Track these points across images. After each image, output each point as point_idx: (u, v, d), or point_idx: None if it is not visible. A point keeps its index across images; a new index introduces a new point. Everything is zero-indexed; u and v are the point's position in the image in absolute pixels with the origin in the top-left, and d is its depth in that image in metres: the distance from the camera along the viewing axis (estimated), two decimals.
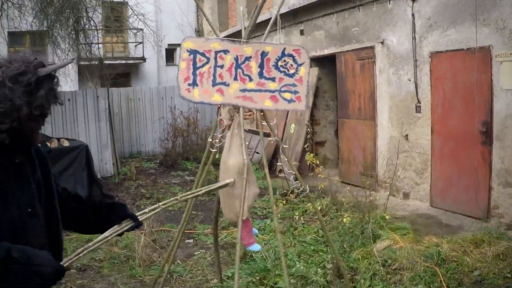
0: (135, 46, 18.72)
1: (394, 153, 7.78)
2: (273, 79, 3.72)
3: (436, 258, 4.96)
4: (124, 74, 18.78)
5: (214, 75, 3.72)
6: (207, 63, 3.73)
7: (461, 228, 6.37)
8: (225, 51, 3.73)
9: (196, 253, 6.07)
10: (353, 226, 6.26)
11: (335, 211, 7.20)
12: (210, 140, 4.15)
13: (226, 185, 3.38)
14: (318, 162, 7.41)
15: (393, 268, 4.91)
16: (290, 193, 8.59)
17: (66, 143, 8.61)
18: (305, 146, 8.48)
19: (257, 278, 4.85)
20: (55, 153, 8.14)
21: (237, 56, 3.72)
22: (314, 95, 10.05)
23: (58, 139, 8.79)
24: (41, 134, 2.24)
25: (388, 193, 7.35)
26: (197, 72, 3.74)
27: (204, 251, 6.15)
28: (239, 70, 3.72)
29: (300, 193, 8.52)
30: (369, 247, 5.54)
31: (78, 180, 8.21)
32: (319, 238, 6.09)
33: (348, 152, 9.16)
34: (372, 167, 8.63)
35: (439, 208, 7.27)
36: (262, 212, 7.89)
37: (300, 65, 3.73)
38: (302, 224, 6.99)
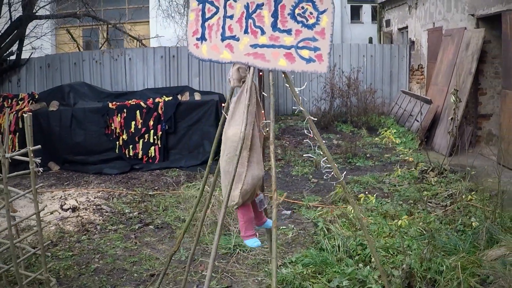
0: None
1: None
2: (288, 32, 2.89)
3: None
4: None
5: (223, 27, 3.06)
6: (216, 13, 3.08)
7: None
8: None
9: (281, 227, 5.52)
10: (479, 221, 4.94)
11: (468, 200, 5.80)
12: None
13: None
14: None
15: None
16: (430, 170, 7.28)
17: (198, 97, 8.68)
18: (449, 118, 7.00)
19: (311, 270, 4.12)
20: (185, 106, 8.27)
21: (247, 3, 2.98)
22: (478, 60, 8.31)
23: (193, 93, 8.92)
24: None
25: None
26: (206, 24, 3.12)
27: (292, 226, 5.57)
28: (250, 20, 2.98)
29: (443, 172, 7.22)
30: (479, 254, 4.29)
31: (205, 136, 8.24)
32: (425, 232, 4.93)
33: (510, 130, 7.31)
34: None
35: None
36: (389, 189, 6.84)
37: (322, 12, 2.80)
38: (423, 210, 5.83)
